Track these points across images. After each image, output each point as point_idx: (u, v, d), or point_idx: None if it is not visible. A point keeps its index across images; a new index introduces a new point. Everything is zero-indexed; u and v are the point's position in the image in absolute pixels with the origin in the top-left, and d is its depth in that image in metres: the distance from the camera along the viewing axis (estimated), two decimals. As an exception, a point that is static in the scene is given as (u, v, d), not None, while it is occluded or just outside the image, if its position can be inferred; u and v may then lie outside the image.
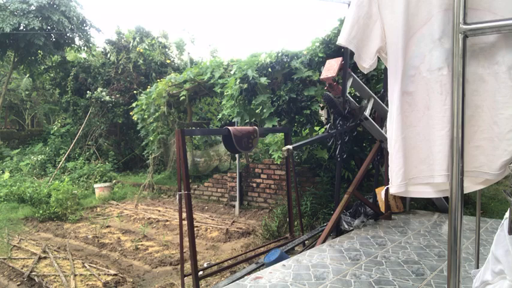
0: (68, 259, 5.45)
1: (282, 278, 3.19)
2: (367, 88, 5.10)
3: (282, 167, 7.25)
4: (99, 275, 4.81)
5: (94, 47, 15.18)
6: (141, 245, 6.19)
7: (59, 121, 15.93)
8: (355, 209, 5.09)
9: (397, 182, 1.44)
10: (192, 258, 3.97)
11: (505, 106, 1.28)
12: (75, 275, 4.84)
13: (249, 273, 4.04)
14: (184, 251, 4.25)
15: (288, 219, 5.68)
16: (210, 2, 53.26)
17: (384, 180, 5.43)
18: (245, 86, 6.61)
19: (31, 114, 19.21)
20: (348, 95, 4.74)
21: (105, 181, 10.91)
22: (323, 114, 7.33)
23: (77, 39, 14.17)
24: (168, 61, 14.19)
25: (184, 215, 4.06)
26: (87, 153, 12.89)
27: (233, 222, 7.07)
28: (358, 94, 5.66)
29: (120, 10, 46.21)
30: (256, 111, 6.87)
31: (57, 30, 12.69)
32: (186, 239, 4.19)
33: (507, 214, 1.43)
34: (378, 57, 1.58)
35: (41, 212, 8.00)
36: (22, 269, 5.11)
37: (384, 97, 5.17)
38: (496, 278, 1.48)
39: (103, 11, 43.48)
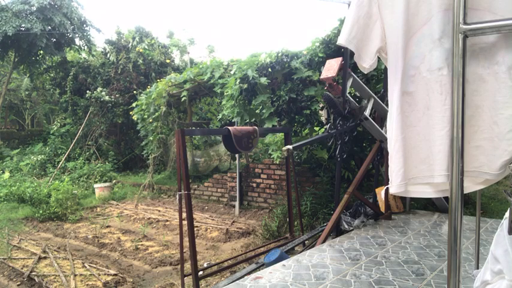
0: (68, 259, 5.45)
1: (282, 278, 3.19)
2: (367, 88, 5.09)
3: (282, 167, 7.24)
4: (99, 275, 4.81)
5: (94, 47, 15.16)
6: (141, 245, 6.19)
7: (59, 121, 15.90)
8: (355, 209, 5.09)
9: (397, 182, 1.44)
10: (192, 258, 3.98)
11: (505, 106, 1.28)
12: (75, 275, 4.84)
13: (249, 273, 4.04)
14: (184, 251, 4.25)
15: (288, 219, 5.68)
16: (210, 2, 53.29)
17: (384, 180, 5.43)
18: (245, 86, 6.61)
19: (31, 114, 19.20)
20: (348, 95, 4.74)
21: (105, 181, 10.90)
22: (323, 114, 7.32)
23: (77, 40, 14.17)
24: (167, 61, 14.18)
25: (184, 215, 4.06)
26: (87, 153, 12.88)
27: (233, 222, 7.07)
28: (358, 94, 5.66)
29: (120, 10, 46.24)
30: (256, 111, 6.87)
31: (59, 31, 12.68)
32: (186, 239, 4.19)
33: (507, 214, 1.42)
34: (378, 57, 1.58)
35: (41, 212, 8.00)
36: (22, 269, 5.11)
37: (384, 97, 5.17)
38: (495, 277, 1.48)
39: (103, 11, 43.52)
